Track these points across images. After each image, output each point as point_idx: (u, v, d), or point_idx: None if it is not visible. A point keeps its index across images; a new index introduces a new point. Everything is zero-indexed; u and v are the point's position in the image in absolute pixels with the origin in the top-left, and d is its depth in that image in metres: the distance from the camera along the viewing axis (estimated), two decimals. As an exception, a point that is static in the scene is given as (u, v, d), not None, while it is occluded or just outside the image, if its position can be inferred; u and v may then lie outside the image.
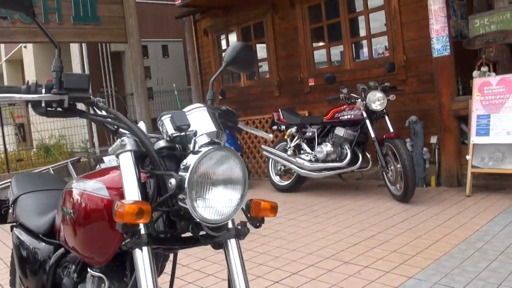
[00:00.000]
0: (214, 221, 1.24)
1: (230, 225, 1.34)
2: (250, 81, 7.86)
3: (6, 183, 7.14)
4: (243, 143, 7.69)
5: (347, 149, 5.26)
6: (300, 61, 6.89)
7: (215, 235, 1.30)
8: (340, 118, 5.33)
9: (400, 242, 3.62)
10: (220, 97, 7.49)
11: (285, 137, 6.05)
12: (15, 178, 2.30)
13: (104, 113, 1.38)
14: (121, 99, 9.72)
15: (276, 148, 6.12)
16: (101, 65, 9.75)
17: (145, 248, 1.21)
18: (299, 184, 5.97)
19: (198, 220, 1.22)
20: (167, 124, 1.31)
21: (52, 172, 7.89)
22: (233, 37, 8.11)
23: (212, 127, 1.32)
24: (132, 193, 1.25)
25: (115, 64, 9.82)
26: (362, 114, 5.10)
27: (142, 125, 1.41)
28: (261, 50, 7.72)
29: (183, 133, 1.28)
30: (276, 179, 6.21)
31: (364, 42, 6.39)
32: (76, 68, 10.32)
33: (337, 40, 6.56)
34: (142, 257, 1.21)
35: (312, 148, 5.58)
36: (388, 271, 3.06)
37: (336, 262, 3.34)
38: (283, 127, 6.01)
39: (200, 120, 1.33)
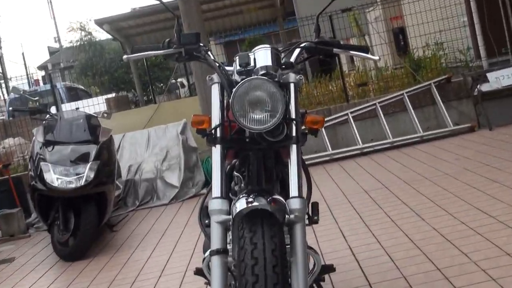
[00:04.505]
0: (256, 129, 1.76)
1: (293, 134, 1.81)
2: None
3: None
4: None
5: None
6: None
7: (275, 141, 1.80)
8: None
9: None
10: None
11: None
12: None
13: (212, 56, 2.04)
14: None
15: None
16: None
17: (218, 146, 1.83)
18: None
19: (242, 126, 1.76)
20: (236, 63, 1.96)
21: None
22: None
23: (269, 62, 1.88)
24: (216, 109, 1.88)
25: None
26: None
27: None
28: None
29: (243, 68, 1.89)
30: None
31: None
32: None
33: None
34: (217, 152, 1.82)
35: None
36: None
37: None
38: None
39: (262, 56, 1.91)
